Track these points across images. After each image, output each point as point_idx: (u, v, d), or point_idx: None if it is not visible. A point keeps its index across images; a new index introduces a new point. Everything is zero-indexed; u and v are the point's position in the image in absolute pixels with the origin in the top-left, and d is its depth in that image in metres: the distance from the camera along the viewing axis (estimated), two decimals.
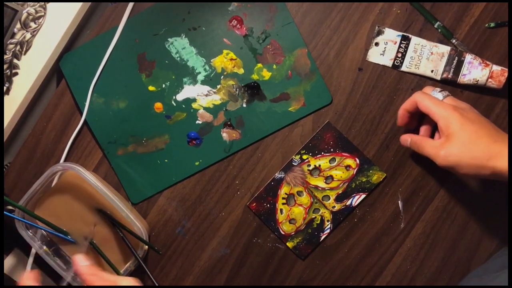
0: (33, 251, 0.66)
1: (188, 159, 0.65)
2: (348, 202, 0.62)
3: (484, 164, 0.48)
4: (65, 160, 0.66)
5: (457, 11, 0.61)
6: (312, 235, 0.63)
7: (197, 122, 0.64)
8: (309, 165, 0.62)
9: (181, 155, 0.65)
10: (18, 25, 0.61)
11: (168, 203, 0.66)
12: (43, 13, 0.62)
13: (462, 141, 0.49)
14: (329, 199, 0.62)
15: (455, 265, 0.63)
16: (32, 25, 0.62)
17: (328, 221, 0.62)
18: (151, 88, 0.64)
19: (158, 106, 0.64)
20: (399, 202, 0.63)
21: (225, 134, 0.64)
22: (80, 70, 0.65)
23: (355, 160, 0.61)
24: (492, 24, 0.60)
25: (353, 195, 0.62)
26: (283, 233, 0.63)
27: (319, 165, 0.62)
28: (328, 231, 0.63)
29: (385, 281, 0.64)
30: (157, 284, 0.60)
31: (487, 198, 0.62)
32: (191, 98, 0.64)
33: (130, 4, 0.64)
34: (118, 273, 0.61)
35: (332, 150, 0.61)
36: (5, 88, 0.63)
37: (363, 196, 0.62)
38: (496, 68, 0.58)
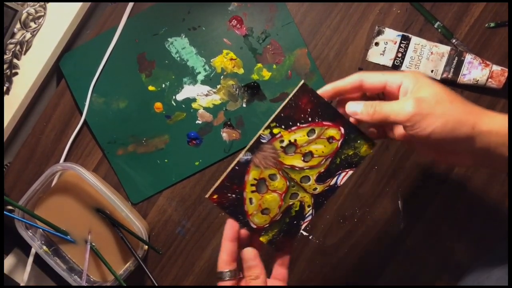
0: (33, 251, 0.66)
1: (188, 159, 0.65)
2: (333, 182, 0.50)
3: (464, 119, 0.39)
4: (65, 160, 0.66)
5: (457, 11, 0.61)
6: (291, 225, 0.51)
7: (197, 122, 0.64)
8: (282, 141, 0.49)
9: (181, 155, 0.65)
10: (18, 25, 0.62)
11: (168, 203, 0.66)
12: (43, 13, 0.62)
13: (434, 92, 0.40)
14: (309, 180, 0.50)
15: (455, 265, 0.63)
16: (32, 25, 0.62)
17: (309, 206, 0.50)
18: (151, 88, 0.64)
19: (158, 106, 0.64)
20: (399, 202, 0.63)
21: (225, 134, 0.64)
22: (80, 70, 0.65)
23: (339, 130, 0.49)
24: (492, 24, 0.60)
25: (338, 173, 0.50)
26: (254, 226, 0.50)
27: (295, 140, 0.49)
28: (310, 218, 0.51)
29: (385, 281, 0.64)
30: (156, 284, 0.60)
31: (487, 198, 0.62)
32: (191, 98, 0.64)
33: (130, 4, 0.64)
34: (116, 276, 0.61)
35: (310, 119, 0.48)
36: (5, 88, 0.63)
37: (350, 172, 0.50)
38: (496, 68, 0.58)
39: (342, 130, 0.49)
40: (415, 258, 0.63)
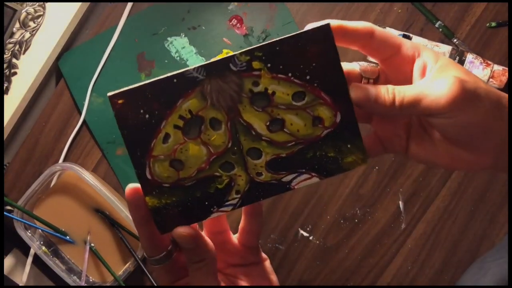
0: (32, 251, 0.65)
1: None
2: (286, 178, 0.34)
3: (499, 102, 0.33)
4: (64, 160, 0.66)
5: (458, 10, 0.60)
6: (200, 204, 0.33)
7: None
8: (255, 83, 0.32)
9: None
10: (17, 25, 0.61)
11: None
12: (42, 13, 0.62)
13: (465, 72, 0.33)
14: (259, 158, 0.33)
15: (456, 266, 0.63)
16: (31, 24, 0.62)
17: (237, 192, 0.34)
18: None
19: None
20: (400, 202, 0.63)
21: None
22: (79, 70, 0.64)
23: (335, 116, 0.33)
24: (493, 24, 0.60)
25: (299, 171, 0.34)
26: (149, 176, 0.33)
27: (273, 92, 0.32)
28: (230, 208, 0.34)
29: (385, 281, 0.64)
30: (156, 285, 0.60)
31: (488, 198, 0.62)
32: None
33: (129, 4, 0.63)
34: (115, 277, 0.60)
35: (308, 77, 0.32)
36: (4, 87, 0.63)
37: (314, 180, 0.34)
38: (497, 68, 0.58)
39: (338, 118, 0.33)
40: (416, 258, 0.63)
